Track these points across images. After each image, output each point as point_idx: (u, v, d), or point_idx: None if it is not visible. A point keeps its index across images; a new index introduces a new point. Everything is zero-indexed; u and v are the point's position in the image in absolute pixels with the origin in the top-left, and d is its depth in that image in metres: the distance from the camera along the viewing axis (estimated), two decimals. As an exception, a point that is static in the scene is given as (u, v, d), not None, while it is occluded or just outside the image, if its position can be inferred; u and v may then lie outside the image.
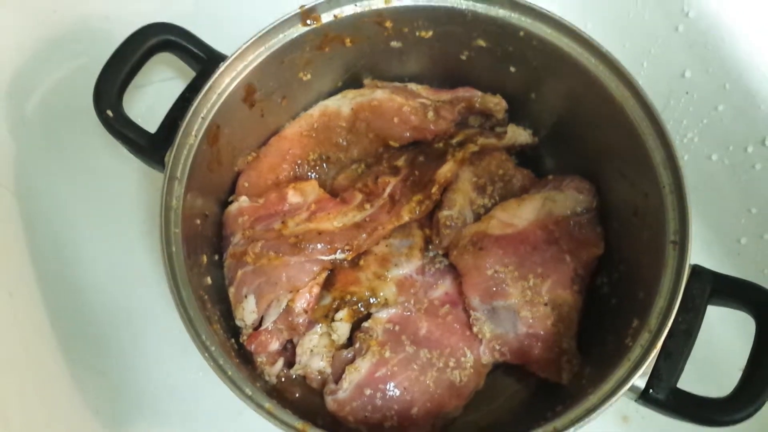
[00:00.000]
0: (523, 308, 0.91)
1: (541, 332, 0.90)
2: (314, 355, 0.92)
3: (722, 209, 1.08)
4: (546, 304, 0.91)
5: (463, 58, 1.00)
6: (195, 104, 0.86)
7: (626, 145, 0.87)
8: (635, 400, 0.76)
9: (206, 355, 0.77)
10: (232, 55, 0.88)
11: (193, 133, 0.87)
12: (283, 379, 0.94)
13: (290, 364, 0.93)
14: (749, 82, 0.98)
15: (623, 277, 0.92)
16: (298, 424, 0.74)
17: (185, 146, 0.86)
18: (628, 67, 0.85)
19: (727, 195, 1.06)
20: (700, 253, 1.06)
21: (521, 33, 0.90)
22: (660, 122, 0.82)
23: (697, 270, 0.78)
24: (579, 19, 0.89)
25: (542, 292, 0.91)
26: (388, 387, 0.88)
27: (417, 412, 0.88)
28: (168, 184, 0.84)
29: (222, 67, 0.88)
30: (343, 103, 1.02)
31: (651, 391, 0.74)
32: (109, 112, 0.87)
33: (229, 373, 0.76)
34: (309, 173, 1.04)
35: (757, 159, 1.00)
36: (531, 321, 0.90)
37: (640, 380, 0.74)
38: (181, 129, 0.85)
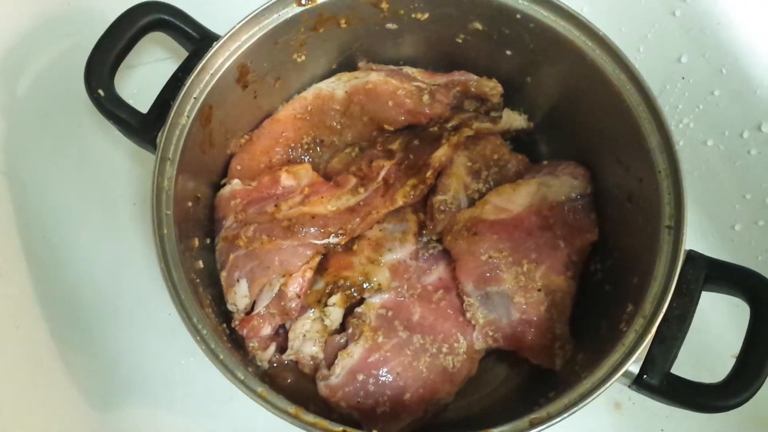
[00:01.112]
0: (516, 294, 0.91)
1: (535, 318, 0.90)
2: (307, 341, 0.91)
3: (717, 195, 1.08)
4: (539, 290, 0.91)
5: (459, 41, 0.99)
6: (187, 84, 0.85)
7: (622, 130, 0.86)
8: (629, 386, 0.76)
9: (198, 338, 0.76)
10: (225, 35, 0.87)
11: (186, 113, 0.86)
12: (275, 365, 0.93)
13: (282, 349, 0.93)
14: (745, 67, 0.98)
15: (617, 262, 0.92)
16: (291, 408, 0.73)
17: (177, 127, 0.85)
18: (624, 51, 0.85)
19: (723, 181, 1.06)
20: (695, 239, 1.06)
21: (518, 16, 0.90)
22: (656, 107, 0.82)
23: (691, 255, 0.78)
24: (576, 3, 0.88)
25: (536, 277, 0.91)
26: (380, 372, 0.88)
27: (410, 397, 0.88)
28: (160, 164, 0.83)
29: (215, 46, 0.87)
30: (338, 86, 1.01)
31: (645, 376, 0.74)
32: (101, 92, 0.86)
33: (221, 357, 0.76)
34: (302, 156, 1.04)
35: (752, 144, 1.00)
36: (524, 307, 0.90)
37: (633, 366, 0.74)
38: (173, 109, 0.84)
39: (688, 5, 1.01)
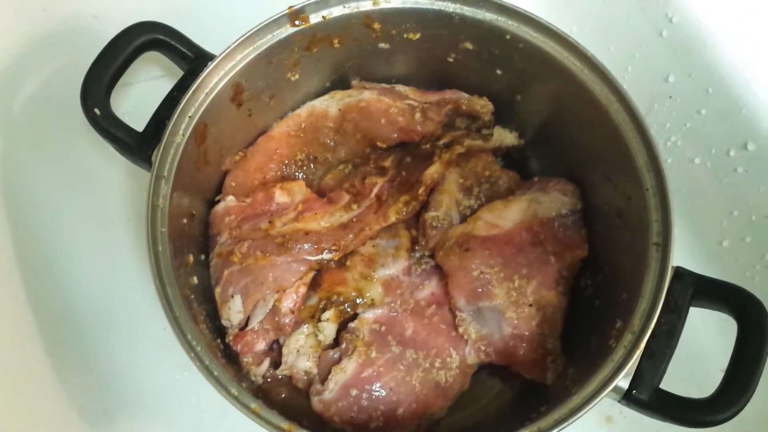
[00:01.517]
0: (508, 309, 0.91)
1: (526, 333, 0.91)
2: (300, 356, 0.92)
3: (705, 212, 1.09)
4: (531, 305, 0.91)
5: (450, 60, 1.00)
6: (183, 103, 0.86)
7: (610, 148, 0.87)
8: (618, 401, 0.77)
9: (192, 354, 0.76)
10: (220, 55, 0.88)
11: (181, 132, 0.86)
12: (269, 380, 0.94)
13: (276, 364, 0.93)
14: (731, 86, 0.99)
15: (607, 278, 0.93)
16: (285, 424, 0.74)
17: (172, 145, 0.86)
18: (612, 71, 0.86)
19: (710, 198, 1.07)
20: (683, 256, 1.07)
21: (507, 36, 0.91)
22: (643, 125, 0.83)
23: (679, 272, 0.79)
24: (565, 24, 0.90)
25: (527, 293, 0.92)
26: (374, 387, 0.88)
27: (403, 412, 0.88)
28: (155, 182, 0.83)
29: (210, 66, 0.87)
30: (331, 104, 1.02)
31: (634, 391, 0.75)
32: (97, 110, 0.87)
33: (215, 373, 0.76)
34: (296, 173, 1.04)
35: (738, 162, 1.01)
36: (516, 322, 0.91)
37: (623, 381, 0.75)
38: (169, 128, 0.85)
39: (675, 26, 1.02)
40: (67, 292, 1.06)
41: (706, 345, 1.04)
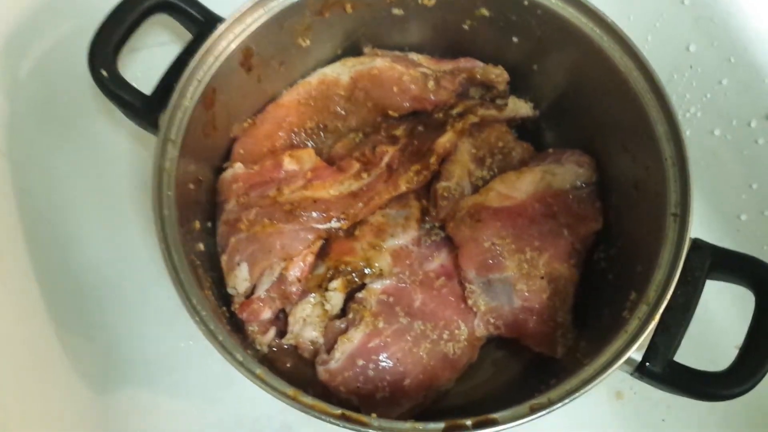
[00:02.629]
0: (519, 281, 0.90)
1: (537, 306, 0.90)
2: (307, 325, 0.91)
3: (723, 185, 1.07)
4: (542, 278, 0.90)
5: (466, 27, 0.99)
6: (191, 67, 0.85)
7: (629, 118, 0.86)
8: (631, 374, 0.76)
9: (197, 319, 0.76)
10: (230, 18, 0.87)
11: (189, 95, 0.85)
12: (274, 349, 0.93)
13: (282, 333, 0.93)
14: (755, 55, 0.97)
15: (621, 251, 0.92)
16: (289, 390, 0.73)
17: (180, 109, 0.85)
18: (633, 40, 0.85)
19: (729, 170, 1.06)
20: (701, 228, 1.05)
21: (525, 2, 0.89)
22: (664, 94, 0.82)
23: (697, 243, 0.78)
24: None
25: (539, 265, 0.91)
26: (380, 358, 0.88)
27: (409, 383, 0.88)
28: (162, 145, 0.82)
29: (220, 29, 0.86)
30: (342, 71, 1.01)
31: (647, 364, 0.74)
32: (104, 72, 0.85)
33: (220, 338, 0.75)
34: (306, 141, 1.03)
35: (760, 134, 1.00)
36: (527, 294, 0.90)
37: (636, 353, 0.74)
38: (177, 91, 0.84)
39: (697, -7, 1.01)
40: (72, 258, 1.06)
41: (721, 320, 1.03)
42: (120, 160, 1.12)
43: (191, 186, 0.89)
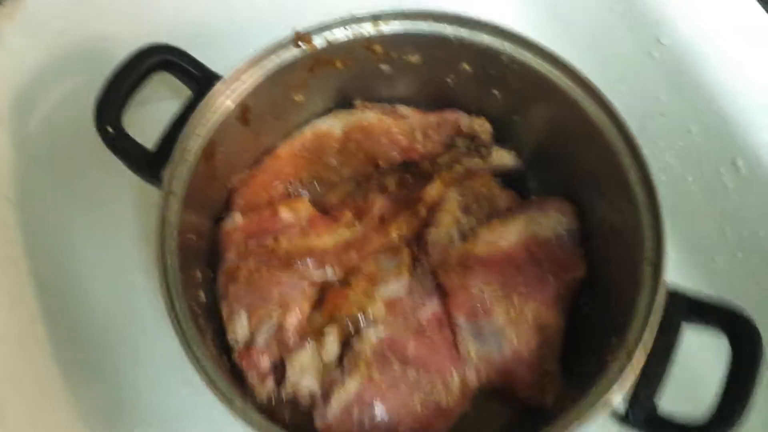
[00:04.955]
0: (507, 327, 0.92)
1: (526, 353, 0.91)
2: (304, 374, 0.91)
3: (698, 229, 1.09)
4: (530, 324, 0.92)
5: (450, 81, 1.02)
6: (192, 122, 0.88)
7: (604, 165, 0.89)
8: (613, 419, 0.77)
9: (198, 367, 0.77)
10: (227, 75, 0.90)
11: (190, 149, 0.88)
12: (273, 400, 0.93)
13: (280, 383, 0.92)
14: (720, 105, 1.01)
15: (602, 296, 0.94)
16: (290, 439, 0.73)
17: (182, 163, 0.88)
18: (605, 90, 0.88)
19: (703, 215, 1.08)
20: (677, 272, 1.03)
21: (503, 57, 0.93)
22: (634, 141, 0.85)
23: (672, 290, 0.79)
24: (556, 47, 0.92)
25: (526, 311, 0.92)
26: (375, 407, 0.88)
27: (403, 433, 0.88)
28: (165, 199, 0.85)
29: (218, 86, 0.90)
30: (335, 124, 1.04)
31: (630, 412, 0.75)
32: (110, 129, 0.89)
33: (221, 386, 0.77)
34: (301, 191, 1.06)
35: (728, 180, 1.03)
36: (515, 340, 0.91)
37: (618, 400, 0.75)
38: (179, 146, 0.87)
39: (666, 48, 1.05)
40: (79, 303, 1.07)
41: (704, 363, 1.01)
42: (124, 208, 1.13)
43: (192, 236, 0.91)
